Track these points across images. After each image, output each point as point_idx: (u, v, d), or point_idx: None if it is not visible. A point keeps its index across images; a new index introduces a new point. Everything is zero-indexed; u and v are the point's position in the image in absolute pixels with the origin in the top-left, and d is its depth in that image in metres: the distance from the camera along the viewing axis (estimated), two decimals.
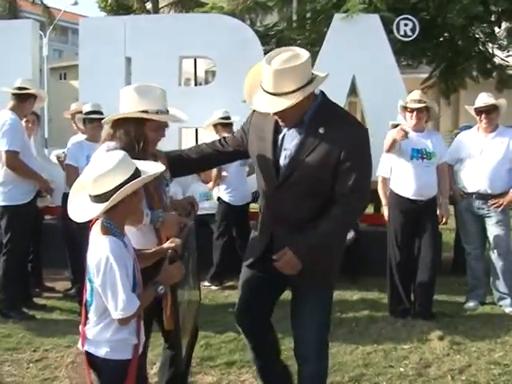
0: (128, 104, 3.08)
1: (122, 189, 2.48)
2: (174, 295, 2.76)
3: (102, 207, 2.51)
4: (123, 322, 2.52)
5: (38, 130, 6.96)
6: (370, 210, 8.52)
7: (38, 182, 5.73)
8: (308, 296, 3.18)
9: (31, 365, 4.49)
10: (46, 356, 4.65)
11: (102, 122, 3.36)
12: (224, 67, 7.64)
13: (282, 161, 3.06)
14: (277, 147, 3.09)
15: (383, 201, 5.90)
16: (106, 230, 2.57)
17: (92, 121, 6.06)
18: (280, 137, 3.09)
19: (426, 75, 11.72)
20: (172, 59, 7.87)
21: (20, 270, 5.79)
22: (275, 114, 2.97)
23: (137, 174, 2.56)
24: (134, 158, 2.67)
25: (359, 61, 7.45)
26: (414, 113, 5.50)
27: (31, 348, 4.80)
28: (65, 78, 41.48)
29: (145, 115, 3.04)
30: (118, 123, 3.10)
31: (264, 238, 3.20)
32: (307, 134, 2.99)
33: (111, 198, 2.48)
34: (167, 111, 3.14)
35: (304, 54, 2.90)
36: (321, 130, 2.96)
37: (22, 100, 5.72)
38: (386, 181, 5.85)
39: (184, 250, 2.87)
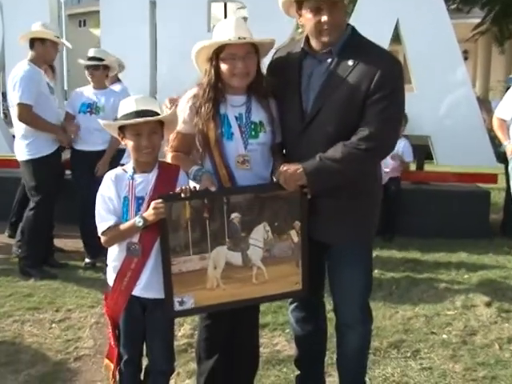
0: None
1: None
2: (163, 241, 2.86)
3: None
4: (102, 239, 2.93)
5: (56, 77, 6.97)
6: (411, 167, 8.47)
7: (56, 135, 5.80)
8: (345, 258, 3.13)
9: (54, 325, 4.59)
10: (68, 316, 4.74)
11: None
12: (255, 12, 7.53)
13: (308, 102, 2.98)
14: (302, 89, 3.02)
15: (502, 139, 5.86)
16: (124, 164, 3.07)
17: (88, 67, 6.13)
18: (306, 77, 3.02)
19: (477, 20, 11.44)
20: (200, 3, 7.79)
21: (45, 226, 5.89)
22: (326, 22, 2.86)
23: (136, 115, 2.81)
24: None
25: (404, 4, 7.28)
26: None
27: (53, 308, 4.90)
28: (84, 25, 41.34)
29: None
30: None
31: None
32: (335, 67, 2.92)
33: None
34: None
35: None
36: (350, 62, 2.88)
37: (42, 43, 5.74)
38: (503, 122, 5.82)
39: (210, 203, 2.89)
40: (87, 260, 6.08)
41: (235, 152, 3.01)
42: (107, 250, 3.02)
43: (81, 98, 6.13)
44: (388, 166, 7.07)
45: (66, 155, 6.21)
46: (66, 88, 8.94)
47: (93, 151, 5.98)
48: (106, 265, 3.04)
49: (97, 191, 2.96)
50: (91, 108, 6.03)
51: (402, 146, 7.28)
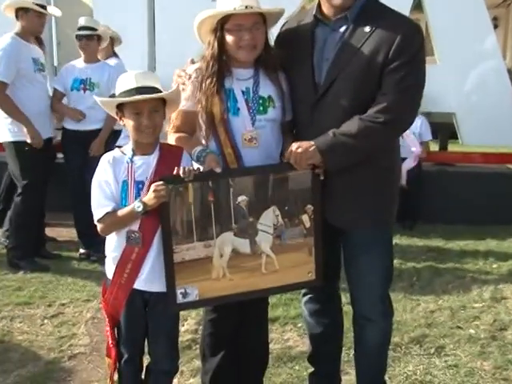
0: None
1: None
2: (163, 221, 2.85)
3: None
4: (98, 227, 2.91)
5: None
6: (434, 147, 8.46)
7: (24, 126, 5.63)
8: (363, 243, 3.11)
9: (46, 321, 4.61)
10: (62, 311, 4.77)
11: None
12: None
13: (321, 73, 2.96)
14: (314, 60, 3.01)
15: None
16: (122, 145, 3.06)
17: (81, 38, 6.06)
18: (318, 47, 3.01)
19: None
20: None
21: (34, 213, 5.90)
22: None
23: (136, 92, 2.78)
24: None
25: None
26: None
27: (45, 302, 4.92)
28: None
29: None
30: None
31: None
32: (350, 35, 2.90)
33: None
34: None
35: None
36: (366, 29, 2.86)
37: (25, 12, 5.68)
38: None
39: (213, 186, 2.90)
40: (82, 250, 6.10)
41: (242, 129, 3.01)
42: (104, 239, 3.03)
43: (72, 73, 6.07)
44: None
45: (57, 136, 6.21)
46: (55, 64, 8.86)
47: (86, 131, 5.96)
48: (104, 256, 3.04)
49: (91, 175, 2.95)
50: (84, 84, 5.99)
51: (419, 125, 7.26)
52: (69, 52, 7.41)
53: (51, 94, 6.16)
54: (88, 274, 5.51)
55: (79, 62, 6.14)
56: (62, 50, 8.72)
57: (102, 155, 2.98)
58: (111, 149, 3.08)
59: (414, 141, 7.07)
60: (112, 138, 5.85)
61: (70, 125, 6.05)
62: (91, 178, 2.93)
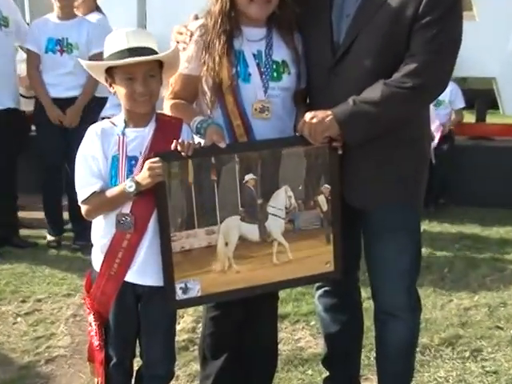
0: None
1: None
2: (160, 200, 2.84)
3: None
4: (83, 209, 2.88)
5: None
6: (470, 118, 8.44)
7: None
8: (386, 226, 3.09)
9: (19, 319, 4.64)
10: (38, 308, 4.80)
11: None
12: None
13: (341, 31, 2.95)
14: (333, 16, 2.99)
15: None
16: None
17: None
18: (338, 1, 2.98)
19: None
20: None
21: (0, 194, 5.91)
22: None
23: (129, 53, 2.74)
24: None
25: None
26: None
27: (18, 298, 4.95)
28: None
29: None
30: None
31: None
32: None
33: None
34: None
35: None
36: None
37: None
38: None
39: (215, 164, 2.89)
40: (49, 237, 6.08)
41: (253, 97, 3.00)
42: (90, 224, 3.01)
43: (45, 31, 5.94)
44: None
45: (29, 107, 6.18)
46: (28, 20, 8.83)
47: (64, 99, 5.86)
48: (90, 244, 3.03)
49: (72, 151, 2.94)
50: (61, 45, 5.86)
51: (449, 92, 7.22)
52: (43, 5, 7.34)
53: (23, 55, 6.11)
54: (68, 265, 5.48)
55: (53, 18, 6.03)
56: (36, 5, 8.68)
57: (83, 128, 2.96)
58: (96, 120, 3.07)
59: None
60: (98, 108, 5.81)
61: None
62: (71, 154, 2.92)
